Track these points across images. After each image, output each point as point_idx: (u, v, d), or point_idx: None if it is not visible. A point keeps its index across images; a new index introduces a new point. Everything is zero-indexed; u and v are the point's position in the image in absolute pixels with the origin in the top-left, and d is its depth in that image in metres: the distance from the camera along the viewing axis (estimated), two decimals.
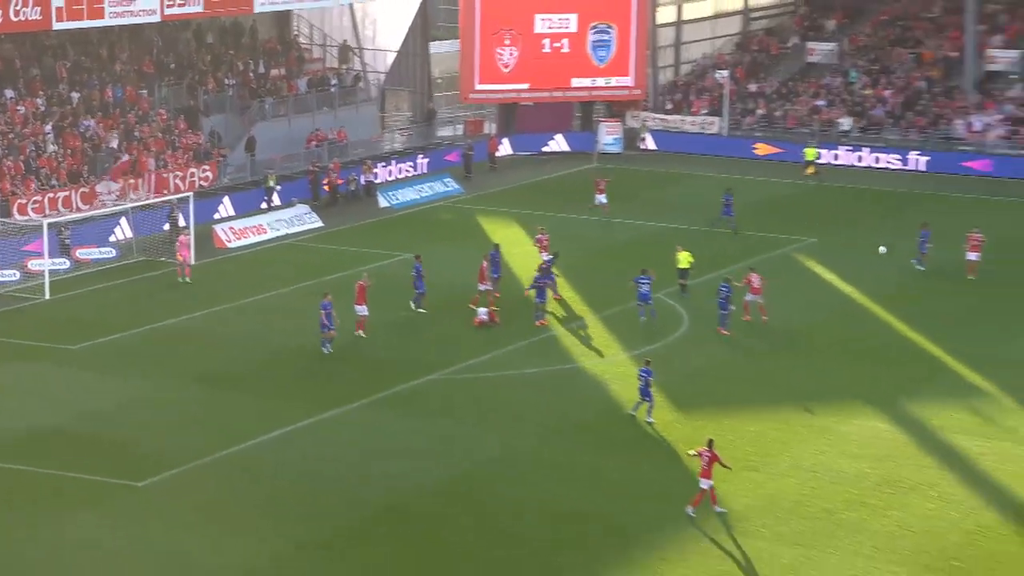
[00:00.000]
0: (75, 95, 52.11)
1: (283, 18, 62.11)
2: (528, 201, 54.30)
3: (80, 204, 47.42)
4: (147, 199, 48.17)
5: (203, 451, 29.47)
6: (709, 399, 32.77)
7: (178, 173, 51.13)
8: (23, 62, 52.21)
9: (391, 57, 65.43)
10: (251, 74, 58.27)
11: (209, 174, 52.48)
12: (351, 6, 63.12)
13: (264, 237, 48.61)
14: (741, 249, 46.05)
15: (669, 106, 67.26)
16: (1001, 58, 63.74)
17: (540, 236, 43.53)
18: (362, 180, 55.17)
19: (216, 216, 50.05)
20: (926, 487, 27.85)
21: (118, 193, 48.38)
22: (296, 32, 63.17)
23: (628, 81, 64.52)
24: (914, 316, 38.92)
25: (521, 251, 45.54)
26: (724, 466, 26.54)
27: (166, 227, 47.06)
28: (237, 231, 48.39)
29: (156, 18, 51.19)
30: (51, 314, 40.04)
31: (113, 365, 35.38)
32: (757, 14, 74.52)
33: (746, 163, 61.19)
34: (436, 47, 66.49)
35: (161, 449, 29.67)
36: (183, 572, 24.43)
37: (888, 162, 60.27)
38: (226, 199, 51.34)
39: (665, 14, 69.59)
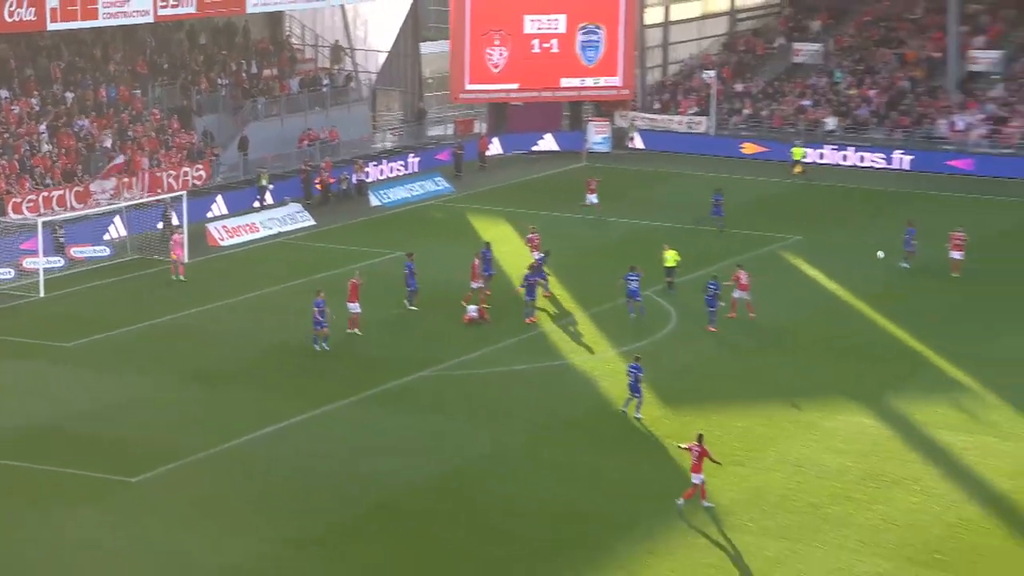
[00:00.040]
0: (69, 95, 52.02)
1: (275, 19, 62.04)
2: (518, 200, 54.32)
3: (74, 203, 47.35)
4: (141, 198, 48.10)
5: (197, 447, 29.46)
6: (697, 395, 32.83)
7: (171, 172, 51.08)
8: (18, 62, 52.08)
9: (382, 57, 65.40)
10: (244, 74, 58.21)
11: (202, 173, 52.43)
12: (343, 7, 63.08)
13: (257, 235, 48.58)
14: (728, 247, 46.12)
15: (657, 106, 67.33)
16: (983, 59, 63.94)
17: (531, 236, 43.54)
18: (354, 179, 55.16)
19: (209, 215, 50.00)
20: (910, 481, 27.95)
21: (112, 192, 48.31)
22: (288, 33, 63.11)
23: (616, 81, 64.57)
24: (898, 313, 39.03)
25: (511, 249, 45.57)
26: (714, 461, 26.61)
27: (160, 225, 47.01)
28: (230, 229, 48.35)
29: (149, 19, 51.11)
30: (46, 312, 39.98)
31: (107, 362, 35.33)
32: (743, 15, 74.63)
33: (733, 162, 61.27)
34: (427, 47, 66.49)
35: (155, 445, 29.65)
36: (178, 567, 24.42)
37: (873, 161, 60.41)
38: (219, 198, 51.29)
39: (653, 15, 69.66)
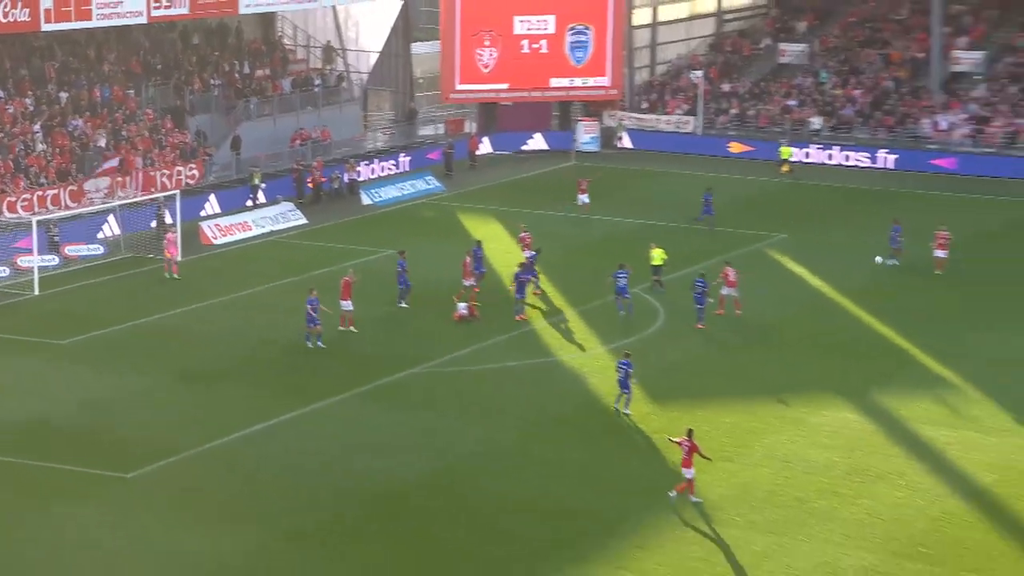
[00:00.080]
0: (63, 95, 51.90)
1: (268, 19, 61.95)
2: (508, 199, 54.33)
3: (69, 202, 47.27)
4: (135, 197, 48.02)
5: (191, 443, 29.44)
6: (685, 392, 32.88)
7: (165, 171, 51.00)
8: (12, 63, 51.95)
9: (373, 58, 65.33)
10: (236, 74, 58.12)
11: (195, 172, 52.34)
12: (334, 8, 63.00)
13: (249, 234, 48.52)
14: (714, 245, 46.17)
15: (645, 105, 67.37)
16: (966, 59, 64.08)
17: (523, 235, 43.54)
18: (345, 178, 55.11)
19: (202, 213, 49.94)
20: (894, 476, 28.04)
21: (106, 191, 48.21)
22: (280, 33, 63.01)
23: (605, 81, 64.59)
24: (883, 311, 39.12)
25: (501, 247, 45.58)
26: (704, 456, 26.65)
27: (153, 224, 46.95)
28: (223, 228, 48.30)
29: (143, 19, 50.99)
30: (40, 310, 39.91)
31: (102, 360, 35.28)
32: (730, 16, 74.69)
33: (720, 161, 61.33)
34: (417, 48, 66.43)
35: (150, 441, 29.61)
36: (174, 562, 24.39)
37: (857, 160, 60.53)
38: (212, 197, 51.22)
39: (641, 16, 69.68)
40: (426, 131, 64.91)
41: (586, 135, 63.76)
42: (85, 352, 35.88)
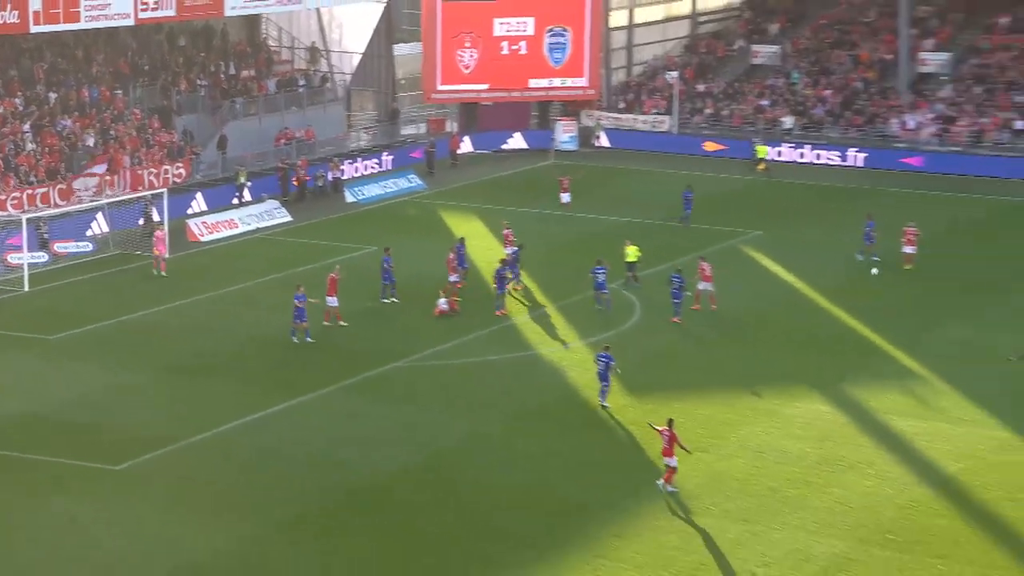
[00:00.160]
0: (52, 95, 51.66)
1: (253, 21, 61.75)
2: (488, 196, 54.34)
3: (58, 200, 47.07)
4: (123, 195, 47.84)
5: (179, 436, 29.38)
6: (661, 384, 32.97)
7: (152, 170, 50.82)
8: (2, 64, 51.66)
9: (357, 59, 65.23)
10: (222, 75, 57.94)
11: (182, 171, 52.17)
12: (318, 10, 62.84)
13: (236, 231, 48.40)
14: (689, 241, 46.27)
15: (622, 105, 67.45)
16: (932, 60, 64.41)
17: (506, 232, 43.52)
18: (329, 176, 55.02)
19: (189, 211, 49.78)
20: (864, 465, 28.19)
21: (95, 189, 48.01)
22: (265, 35, 62.84)
23: (583, 82, 64.66)
24: (853, 305, 39.28)
25: (483, 244, 45.59)
26: (683, 448, 26.70)
27: (141, 222, 46.79)
28: (210, 225, 48.16)
29: (130, 22, 50.79)
30: (30, 306, 39.74)
31: (91, 354, 35.15)
32: (705, 18, 74.85)
33: (695, 159, 61.45)
34: (400, 49, 66.34)
35: (138, 434, 29.53)
36: (167, 551, 24.33)
37: (828, 158, 60.75)
38: (199, 195, 51.06)
39: (618, 18, 69.74)
40: (408, 130, 64.85)
41: (564, 134, 63.82)
42: (74, 348, 35.74)
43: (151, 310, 38.90)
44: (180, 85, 55.63)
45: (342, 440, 29.51)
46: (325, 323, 36.85)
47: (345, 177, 55.79)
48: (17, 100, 50.38)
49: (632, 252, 41.01)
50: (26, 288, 40.93)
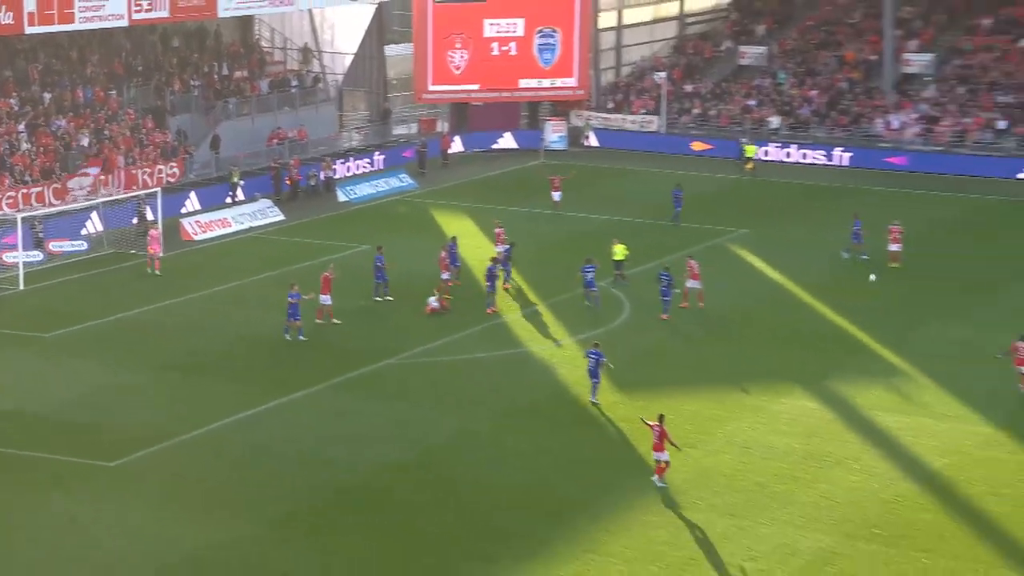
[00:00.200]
0: (47, 96, 51.49)
1: (246, 22, 61.61)
2: (479, 195, 54.28)
3: (53, 199, 46.90)
4: (117, 194, 47.70)
5: (172, 433, 29.28)
6: (650, 380, 32.94)
7: (146, 169, 50.69)
8: None
9: (349, 60, 65.11)
10: (215, 76, 57.80)
11: (176, 170, 52.03)
12: (311, 11, 62.72)
13: (229, 230, 48.28)
14: (676, 240, 46.25)
15: (611, 105, 67.42)
16: (916, 61, 64.50)
17: (497, 230, 43.47)
18: (322, 176, 54.92)
19: (183, 210, 49.64)
20: (850, 460, 28.19)
21: (89, 189, 47.85)
22: (258, 36, 62.69)
23: (572, 82, 64.62)
24: (839, 303, 39.29)
25: (473, 243, 45.52)
26: (673, 444, 26.67)
27: (134, 221, 46.65)
28: (203, 224, 48.03)
29: (124, 23, 50.64)
30: (25, 304, 39.59)
31: (85, 352, 35.03)
32: (692, 20, 74.89)
33: (682, 159, 61.44)
34: (391, 50, 66.25)
35: (132, 431, 29.43)
36: (161, 546, 24.24)
37: (814, 158, 60.79)
38: (192, 194, 50.92)
39: (606, 19, 69.73)
40: (400, 130, 64.76)
41: (554, 134, 63.77)
42: (69, 345, 35.61)
43: (145, 308, 38.77)
44: (174, 85, 55.46)
45: (333, 437, 29.43)
46: (318, 321, 36.76)
47: (337, 176, 55.68)
48: (12, 100, 50.19)
49: (620, 251, 40.98)
50: (21, 286, 40.78)
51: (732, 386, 32.39)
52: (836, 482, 27.08)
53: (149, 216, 46.05)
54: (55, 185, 47.25)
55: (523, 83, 64.01)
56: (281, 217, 50.17)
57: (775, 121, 63.13)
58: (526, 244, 44.12)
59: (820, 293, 40.31)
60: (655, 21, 73.31)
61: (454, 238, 42.22)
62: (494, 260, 39.66)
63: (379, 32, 64.83)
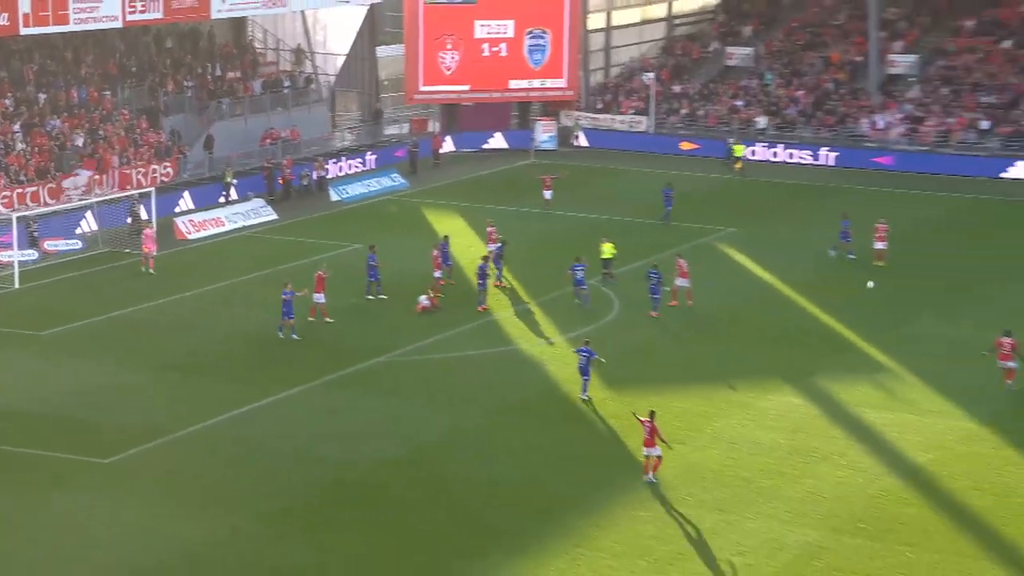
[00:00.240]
0: (42, 96, 51.36)
1: (239, 24, 61.51)
2: (470, 195, 54.29)
3: (48, 199, 46.80)
4: (111, 194, 47.62)
5: (166, 430, 29.26)
6: (639, 378, 33.00)
7: (140, 169, 50.59)
8: None
9: (341, 60, 65.06)
10: (209, 76, 57.70)
11: (170, 170, 51.95)
12: (303, 13, 62.64)
13: (222, 229, 48.23)
14: (665, 239, 46.32)
15: (600, 106, 67.46)
16: (901, 62, 64.66)
17: (489, 229, 43.48)
18: (314, 175, 54.89)
19: (177, 210, 49.59)
20: (836, 456, 28.28)
21: (84, 188, 47.77)
22: (251, 37, 62.60)
23: (562, 83, 64.67)
24: (825, 300, 39.39)
25: (465, 242, 45.52)
26: (663, 441, 26.72)
27: (129, 220, 46.58)
28: (197, 223, 47.97)
29: (118, 24, 50.50)
30: (20, 303, 39.50)
31: (80, 351, 34.98)
32: (680, 21, 75.00)
33: (671, 159, 61.50)
34: (383, 51, 66.19)
35: (126, 428, 29.40)
36: (156, 542, 24.22)
37: (801, 158, 60.90)
38: (186, 194, 50.86)
39: (595, 20, 69.79)
40: (391, 130, 64.71)
41: (544, 134, 63.78)
42: (64, 343, 35.55)
43: (140, 307, 38.73)
44: (167, 86, 55.37)
45: (326, 434, 29.43)
46: (310, 319, 36.75)
47: (330, 176, 55.65)
48: (7, 101, 50.06)
49: (608, 249, 41.03)
50: (16, 285, 40.69)
51: (720, 383, 32.47)
52: (822, 477, 27.17)
53: (143, 215, 45.98)
54: (50, 185, 47.15)
55: (513, 84, 64.03)
56: (274, 216, 50.14)
57: (762, 121, 63.23)
58: (517, 243, 44.14)
59: (807, 291, 40.41)
60: (643, 23, 73.42)
61: (446, 237, 42.24)
62: (485, 258, 39.68)
63: (371, 33, 64.79)
